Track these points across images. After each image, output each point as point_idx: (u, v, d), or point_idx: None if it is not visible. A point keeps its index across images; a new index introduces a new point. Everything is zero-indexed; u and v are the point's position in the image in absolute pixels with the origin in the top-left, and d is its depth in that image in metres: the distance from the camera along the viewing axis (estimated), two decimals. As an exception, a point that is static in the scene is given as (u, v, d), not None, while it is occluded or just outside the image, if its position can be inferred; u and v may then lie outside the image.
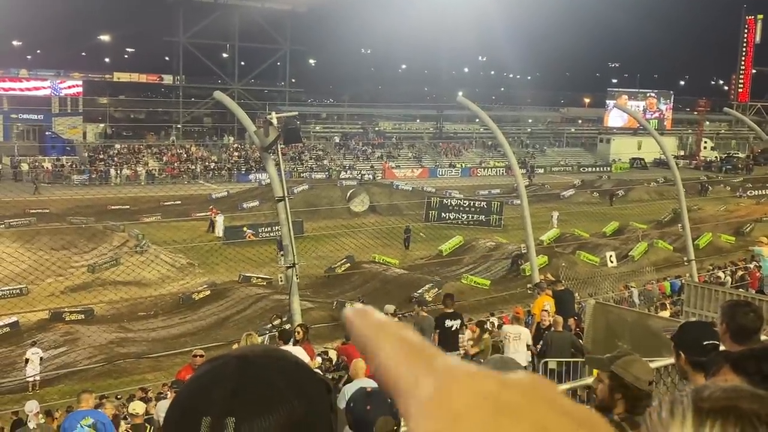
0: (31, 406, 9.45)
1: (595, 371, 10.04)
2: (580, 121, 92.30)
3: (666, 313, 17.80)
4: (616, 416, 3.26)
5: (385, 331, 0.67)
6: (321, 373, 1.01)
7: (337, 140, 73.45)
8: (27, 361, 21.14)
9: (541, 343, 12.24)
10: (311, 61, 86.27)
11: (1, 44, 68.02)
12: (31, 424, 9.19)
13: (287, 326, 14.40)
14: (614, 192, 54.72)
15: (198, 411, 0.91)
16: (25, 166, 55.96)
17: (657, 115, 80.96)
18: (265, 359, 0.98)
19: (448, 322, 12.22)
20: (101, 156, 60.50)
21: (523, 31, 72.67)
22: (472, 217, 43.87)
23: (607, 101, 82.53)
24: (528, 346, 12.29)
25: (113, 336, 25.26)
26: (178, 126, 72.82)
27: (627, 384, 3.26)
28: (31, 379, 20.81)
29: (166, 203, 45.46)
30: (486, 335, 13.15)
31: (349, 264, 33.29)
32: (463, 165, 71.01)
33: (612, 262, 31.30)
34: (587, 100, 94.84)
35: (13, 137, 63.84)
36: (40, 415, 9.95)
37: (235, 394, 0.92)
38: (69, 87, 67.47)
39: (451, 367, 0.62)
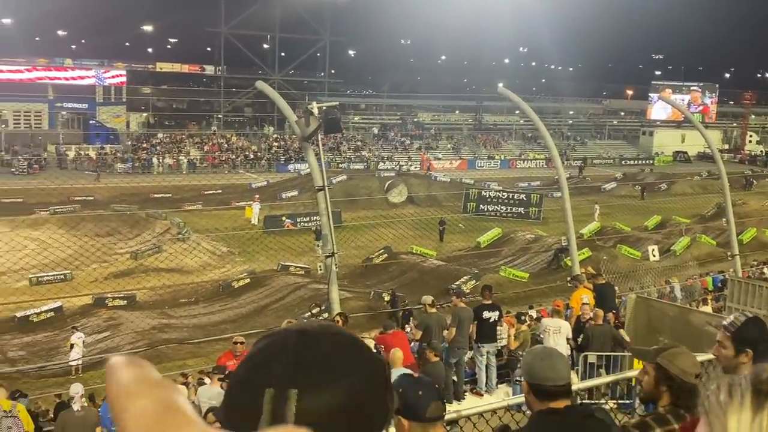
0: (77, 389, 9.64)
1: (637, 363, 9.95)
2: (622, 114, 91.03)
3: (708, 309, 17.55)
4: (661, 408, 3.24)
5: (142, 390, 0.61)
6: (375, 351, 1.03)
7: (376, 131, 73.49)
8: (72, 346, 21.58)
9: (581, 336, 12.15)
10: (351, 52, 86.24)
11: (47, 34, 69.28)
12: (76, 407, 9.38)
13: (325, 315, 14.49)
14: (645, 186, 53.79)
15: (261, 383, 0.93)
16: (70, 154, 57.04)
17: (701, 108, 79.49)
18: (323, 334, 1.00)
19: (486, 314, 12.18)
20: (144, 145, 61.38)
21: (565, 22, 71.73)
22: (511, 210, 43.61)
23: (651, 93, 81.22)
24: (568, 339, 12.21)
25: (155, 322, 25.65)
26: (219, 116, 73.45)
27: (672, 376, 3.23)
28: (74, 363, 21.20)
29: (206, 192, 45.97)
30: (524, 327, 13.08)
31: (386, 254, 33.34)
32: (503, 157, 70.59)
33: (654, 256, 30.92)
34: (630, 92, 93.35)
35: (58, 125, 65.04)
36: (84, 399, 10.15)
37: (296, 366, 0.94)
38: (113, 76, 68.50)
39: None
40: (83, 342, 21.99)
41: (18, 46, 63.04)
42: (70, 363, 21.17)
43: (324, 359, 0.96)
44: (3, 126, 61.83)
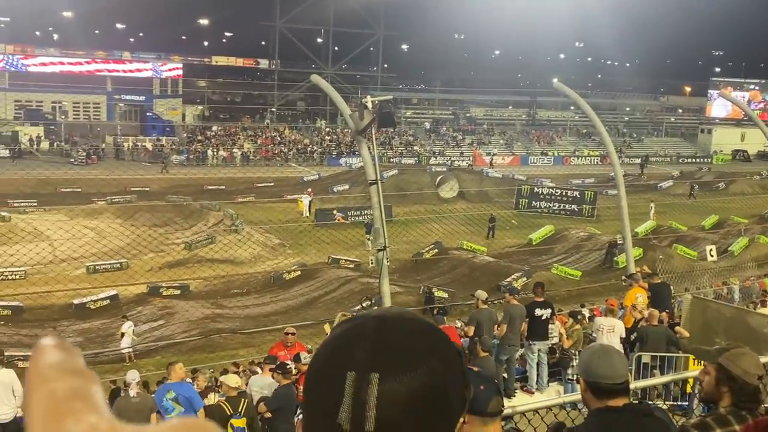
0: (133, 375, 9.83)
1: (692, 365, 9.75)
2: (680, 111, 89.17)
3: (767, 311, 17.09)
4: (722, 409, 3.17)
5: (57, 375, 0.61)
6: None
7: (428, 126, 73.34)
8: (123, 334, 22.04)
9: (634, 336, 11.95)
10: (404, 46, 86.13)
11: (106, 27, 70.78)
12: (132, 392, 9.58)
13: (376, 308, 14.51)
14: (696, 184, 52.45)
15: (342, 366, 0.94)
16: (126, 146, 58.25)
17: (762, 105, 77.37)
18: (401, 319, 1.01)
19: (539, 311, 12.07)
20: (199, 137, 62.31)
21: (622, 17, 70.44)
22: (564, 207, 43.11)
23: (710, 90, 79.40)
24: (621, 338, 12.02)
25: (208, 311, 26.04)
26: (273, 109, 74.18)
27: (734, 376, 3.15)
28: (126, 351, 21.64)
29: (259, 184, 46.50)
30: (578, 326, 12.92)
31: (437, 250, 33.29)
32: (556, 153, 69.80)
33: (712, 256, 30.27)
34: (688, 89, 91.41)
35: (116, 117, 66.50)
36: (139, 385, 10.36)
37: (376, 351, 0.94)
38: (169, 69, 69.73)
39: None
40: (133, 331, 22.40)
41: (78, 38, 64.63)
42: (123, 351, 21.58)
43: (403, 344, 0.96)
44: (62, 117, 63.44)
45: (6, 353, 11.08)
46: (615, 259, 31.43)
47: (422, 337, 0.98)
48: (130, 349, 21.68)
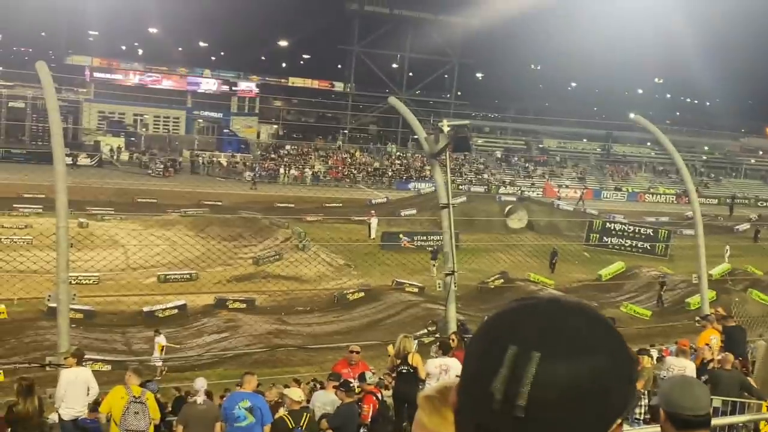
0: (201, 383, 9.98)
1: (765, 410, 9.36)
2: (761, 152, 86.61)
3: None
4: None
5: None
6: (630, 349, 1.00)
7: (499, 155, 72.97)
8: (163, 348, 21.94)
9: (705, 378, 11.51)
10: (478, 75, 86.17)
11: (189, 44, 72.97)
12: (199, 400, 9.72)
13: (437, 335, 14.40)
14: (759, 228, 50.72)
15: (507, 338, 0.94)
16: (202, 161, 59.67)
17: None
18: (578, 308, 0.99)
19: (608, 347, 11.78)
20: (272, 155, 63.39)
21: (704, 55, 69.01)
22: (636, 244, 42.17)
23: (794, 132, 77.01)
24: (692, 380, 11.61)
25: (271, 327, 26.29)
26: (345, 131, 75.01)
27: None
28: (159, 364, 21.46)
29: (328, 204, 46.92)
30: (648, 365, 12.56)
31: (502, 279, 32.95)
32: (630, 189, 68.49)
33: (789, 302, 29.15)
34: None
35: (194, 132, 68.32)
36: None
37: (544, 331, 0.94)
38: (247, 88, 71.35)
39: None
40: (163, 347, 22.09)
41: (161, 54, 66.84)
42: (156, 364, 21.35)
43: (574, 332, 0.95)
44: (143, 129, 65.49)
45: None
46: (663, 295, 31.24)
47: (595, 330, 0.97)
48: (158, 364, 21.41)
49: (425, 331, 18.56)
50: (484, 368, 0.94)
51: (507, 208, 47.91)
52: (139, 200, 42.24)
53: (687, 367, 11.77)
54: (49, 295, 11.48)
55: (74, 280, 25.00)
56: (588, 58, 70.69)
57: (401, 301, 29.57)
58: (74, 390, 9.84)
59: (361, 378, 10.12)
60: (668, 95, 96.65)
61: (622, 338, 1.00)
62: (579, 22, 65.66)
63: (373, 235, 39.62)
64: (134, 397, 9.27)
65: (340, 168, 63.06)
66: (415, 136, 13.89)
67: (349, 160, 65.31)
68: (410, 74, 78.61)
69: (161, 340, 22.12)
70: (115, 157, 57.86)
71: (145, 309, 26.48)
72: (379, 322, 27.81)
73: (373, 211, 43.37)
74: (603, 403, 0.93)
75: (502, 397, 0.91)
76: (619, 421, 0.97)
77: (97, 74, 66.22)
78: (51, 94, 10.95)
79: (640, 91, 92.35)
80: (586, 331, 0.95)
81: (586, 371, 0.91)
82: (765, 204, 70.13)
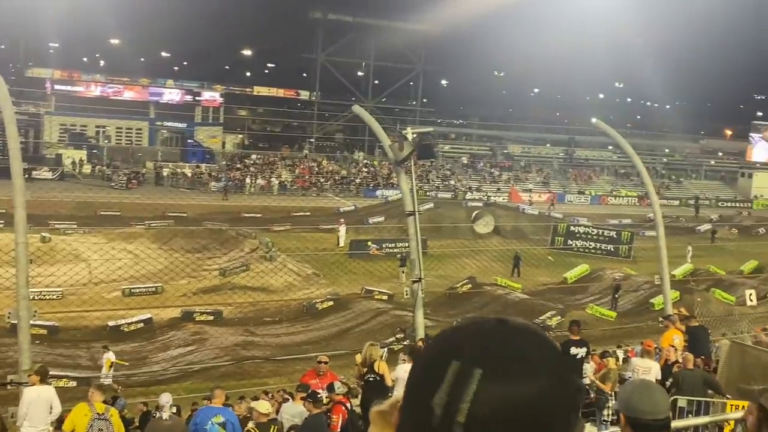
0: (166, 399, 9.86)
1: (729, 409, 9.52)
2: (720, 154, 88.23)
3: (809, 360, 16.63)
4: (767, 452, 3.07)
5: None
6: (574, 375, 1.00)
7: (465, 161, 73.39)
8: (111, 364, 21.02)
9: (669, 381, 11.65)
10: (443, 82, 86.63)
11: (151, 54, 72.30)
12: (165, 415, 9.61)
13: (405, 342, 14.41)
14: (716, 229, 51.72)
15: (450, 354, 0.94)
16: (166, 172, 59.07)
17: (806, 151, 76.22)
18: (525, 329, 0.99)
19: (574, 350, 11.90)
20: (238, 165, 63.02)
21: (664, 59, 70.10)
22: (600, 246, 42.66)
23: (751, 134, 78.50)
24: (657, 380, 11.75)
25: (239, 339, 26.10)
26: (312, 140, 74.87)
27: (776, 417, 3.07)
28: (106, 381, 20.22)
29: (295, 214, 46.72)
30: (614, 366, 12.69)
31: (470, 285, 33.10)
32: (593, 192, 69.29)
33: (752, 300, 29.67)
34: (729, 133, 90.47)
35: (157, 143, 67.66)
36: (173, 408, 10.40)
37: (487, 349, 0.94)
38: (211, 98, 70.88)
39: None
40: (112, 364, 21.17)
41: (124, 65, 66.13)
42: (105, 381, 20.03)
43: (519, 353, 0.95)
44: (105, 141, 64.69)
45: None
46: (617, 298, 32.12)
47: (540, 353, 0.96)
48: (107, 381, 20.12)
49: (394, 338, 18.55)
50: (427, 383, 0.94)
51: (474, 214, 48.17)
52: (102, 213, 41.71)
53: (652, 367, 11.93)
54: (9, 312, 11.28)
55: (37, 295, 24.69)
56: (550, 64, 71.51)
57: (370, 309, 29.55)
58: (37, 408, 9.68)
59: (330, 388, 10.08)
60: (629, 99, 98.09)
61: (569, 365, 1.02)
62: (541, 29, 66.35)
63: (341, 244, 39.57)
64: (98, 413, 9.14)
65: (307, 177, 62.89)
66: (382, 144, 13.94)
67: (316, 168, 65.18)
68: (375, 82, 78.75)
69: (110, 356, 21.35)
70: (77, 170, 57.07)
71: (110, 323, 26.15)
72: (349, 331, 27.77)
73: (342, 219, 43.29)
74: (543, 426, 0.92)
75: (442, 411, 0.91)
76: None
77: (58, 87, 65.30)
78: (8, 107, 10.79)
79: (602, 95, 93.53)
80: (532, 354, 0.95)
81: (528, 392, 0.91)
82: (725, 204, 71.34)
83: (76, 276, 28.29)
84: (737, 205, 71.68)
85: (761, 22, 68.37)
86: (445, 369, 0.93)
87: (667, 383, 11.64)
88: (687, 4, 64.99)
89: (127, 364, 22.52)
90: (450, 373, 0.92)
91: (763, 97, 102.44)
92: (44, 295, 28.03)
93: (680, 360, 12.09)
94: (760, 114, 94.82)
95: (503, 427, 0.90)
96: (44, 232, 34.58)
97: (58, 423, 10.16)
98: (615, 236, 43.61)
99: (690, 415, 10.89)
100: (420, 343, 11.40)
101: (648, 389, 3.06)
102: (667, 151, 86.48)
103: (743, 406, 9.29)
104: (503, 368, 0.92)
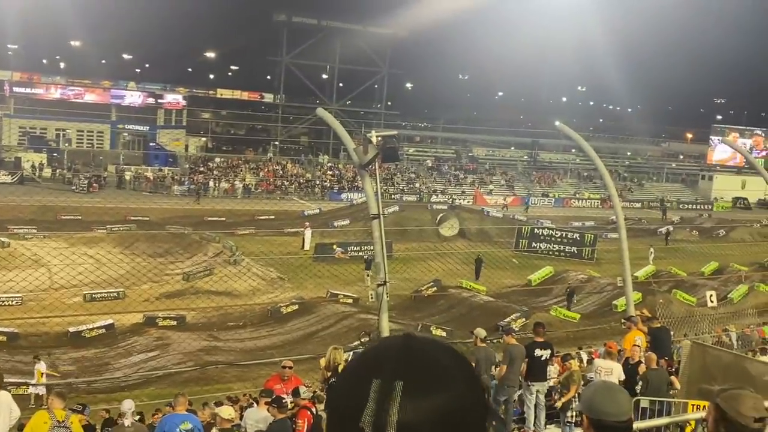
0: (129, 405, 9.72)
1: (690, 409, 9.63)
2: (681, 157, 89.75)
3: (766, 359, 16.94)
4: (723, 451, 3.09)
5: None
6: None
7: (430, 164, 73.65)
8: (42, 374, 20.27)
9: (640, 382, 11.73)
10: (408, 85, 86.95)
11: (113, 57, 71.44)
12: (127, 422, 9.46)
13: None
14: (669, 231, 52.05)
15: (369, 373, 0.98)
16: (128, 176, 58.35)
17: (764, 153, 77.79)
18: (431, 341, 1.04)
19: (539, 352, 11.94)
20: (201, 168, 62.50)
21: (625, 63, 71.18)
22: (564, 249, 43.06)
23: (712, 137, 79.96)
24: (619, 381, 11.86)
25: (203, 344, 25.84)
26: (276, 143, 74.57)
27: (729, 418, 3.09)
28: (36, 391, 19.78)
29: (260, 217, 46.47)
30: (576, 368, 12.79)
31: (435, 288, 33.18)
32: (557, 195, 69.96)
33: (712, 301, 30.15)
34: (690, 136, 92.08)
35: (119, 146, 66.83)
36: (134, 414, 10.24)
37: (404, 362, 0.98)
38: (174, 101, 70.20)
39: None
40: (43, 374, 20.35)
41: (84, 67, 65.25)
42: (37, 392, 19.70)
43: (431, 361, 0.99)
44: (66, 144, 63.72)
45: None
46: (573, 302, 32.48)
47: (449, 359, 1.02)
48: (39, 391, 19.48)
49: (359, 342, 18.46)
50: (352, 404, 0.97)
51: (439, 217, 48.33)
52: (62, 217, 41.04)
53: (614, 368, 12.03)
54: (-34, 320, 11.01)
55: (-5, 301, 24.28)
56: (514, 67, 72.18)
57: (335, 312, 29.45)
58: (-3, 415, 9.47)
59: (295, 393, 10.00)
60: (591, 102, 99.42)
61: (473, 367, 1.06)
62: (504, 33, 66.98)
63: (306, 247, 39.41)
64: (58, 421, 8.94)
65: (271, 180, 62.57)
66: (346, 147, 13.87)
67: (281, 171, 64.89)
68: (340, 85, 78.74)
69: (41, 366, 20.49)
70: (37, 173, 56.12)
71: (71, 329, 25.74)
72: (314, 335, 27.67)
73: (307, 223, 43.11)
74: (465, 424, 0.97)
75: (372, 429, 0.94)
76: None
77: (17, 89, 64.18)
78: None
79: (564, 99, 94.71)
80: (441, 360, 1.00)
81: (448, 398, 0.96)
82: (686, 207, 72.51)
83: (36, 281, 27.79)
84: (698, 207, 72.89)
85: (721, 26, 69.75)
86: (367, 388, 0.96)
87: (638, 385, 11.73)
88: (648, 9, 66.06)
89: (58, 375, 21.81)
90: (373, 391, 0.95)
91: (723, 101, 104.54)
92: (3, 301, 27.54)
93: (642, 360, 12.23)
94: (719, 117, 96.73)
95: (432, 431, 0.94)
96: (3, 237, 33.97)
97: (18, 431, 9.96)
98: (578, 238, 44.03)
99: (653, 416, 11.03)
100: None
101: (610, 391, 3.05)
102: (629, 154, 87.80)
103: (704, 406, 9.42)
104: (421, 377, 0.96)
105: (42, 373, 20.48)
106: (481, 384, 1.03)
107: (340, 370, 9.86)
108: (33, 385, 20.08)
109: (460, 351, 1.06)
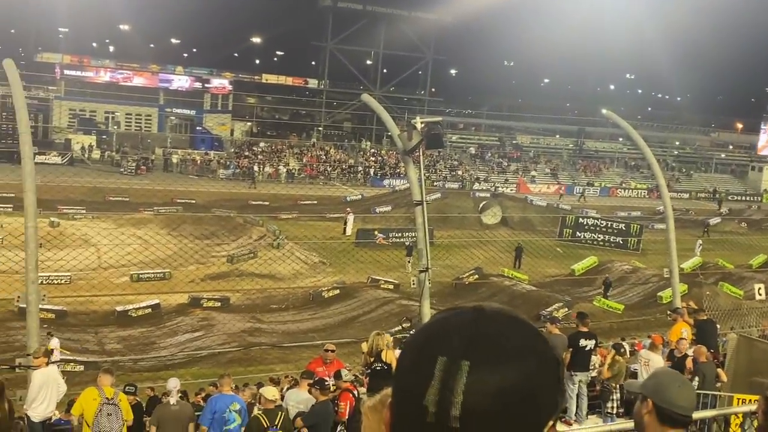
0: (174, 383, 9.90)
1: (736, 402, 9.51)
2: (731, 147, 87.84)
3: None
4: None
5: None
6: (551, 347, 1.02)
7: (473, 151, 73.24)
8: (52, 351, 20.34)
9: (696, 378, 11.49)
10: (452, 71, 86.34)
11: (161, 41, 72.28)
12: (172, 400, 9.64)
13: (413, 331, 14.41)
14: (708, 223, 50.42)
15: (436, 351, 0.95)
16: (175, 159, 59.17)
17: (817, 145, 75.84)
18: (502, 314, 1.00)
19: (583, 342, 11.85)
20: (246, 153, 63.07)
21: (676, 51, 69.72)
22: (609, 239, 42.53)
23: (763, 127, 78.09)
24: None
25: (246, 325, 26.16)
26: (320, 128, 74.84)
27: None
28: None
29: (303, 202, 46.76)
30: (620, 359, 12.67)
31: (477, 275, 33.06)
32: (603, 184, 69.08)
33: (760, 294, 29.51)
34: (740, 126, 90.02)
35: (166, 129, 67.75)
36: (180, 393, 10.44)
37: (472, 340, 0.95)
38: (220, 85, 70.87)
39: None
40: (52, 351, 20.44)
41: (133, 51, 66.15)
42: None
43: (501, 338, 0.96)
44: (115, 127, 64.80)
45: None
46: (608, 293, 31.87)
47: (521, 335, 0.98)
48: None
49: (400, 327, 18.55)
50: (416, 382, 0.95)
51: (481, 204, 48.09)
52: (111, 199, 41.78)
53: (652, 359, 11.92)
54: (18, 296, 11.32)
55: (45, 280, 24.78)
56: (560, 54, 71.20)
57: (376, 298, 29.57)
58: (47, 390, 9.74)
59: (337, 376, 10.09)
60: (639, 91, 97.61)
61: (547, 340, 1.01)
62: (551, 19, 66.12)
63: (348, 232, 39.56)
64: (107, 398, 9.16)
65: (314, 165, 62.89)
66: (390, 133, 13.90)
67: (324, 157, 65.16)
68: (384, 71, 78.59)
69: (54, 343, 21.00)
70: (86, 155, 57.21)
71: (118, 308, 26.23)
72: (355, 319, 27.82)
73: (349, 209, 43.24)
74: (535, 405, 0.94)
75: (436, 409, 0.92)
76: (551, 423, 0.98)
77: (67, 72, 65.40)
78: (18, 92, 10.79)
79: (612, 86, 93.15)
80: (512, 337, 0.97)
81: (515, 375, 0.93)
82: (735, 198, 71.08)
83: (85, 261, 28.39)
84: (747, 198, 71.39)
85: (774, 15, 67.92)
86: (432, 365, 0.93)
87: (695, 380, 11.50)
88: (699, -4, 64.61)
89: (68, 352, 22.00)
90: (438, 370, 0.93)
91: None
92: (53, 280, 28.13)
93: (690, 354, 12.05)
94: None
95: (498, 413, 0.91)
96: (53, 217, 34.70)
97: (67, 406, 10.22)
98: (624, 229, 43.46)
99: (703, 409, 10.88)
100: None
101: (686, 385, 3.01)
102: (677, 143, 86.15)
103: (750, 400, 9.27)
104: (489, 357, 0.93)
105: (51, 350, 20.52)
106: (555, 359, 0.99)
107: (383, 356, 9.92)
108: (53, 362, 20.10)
109: (531, 324, 1.02)
